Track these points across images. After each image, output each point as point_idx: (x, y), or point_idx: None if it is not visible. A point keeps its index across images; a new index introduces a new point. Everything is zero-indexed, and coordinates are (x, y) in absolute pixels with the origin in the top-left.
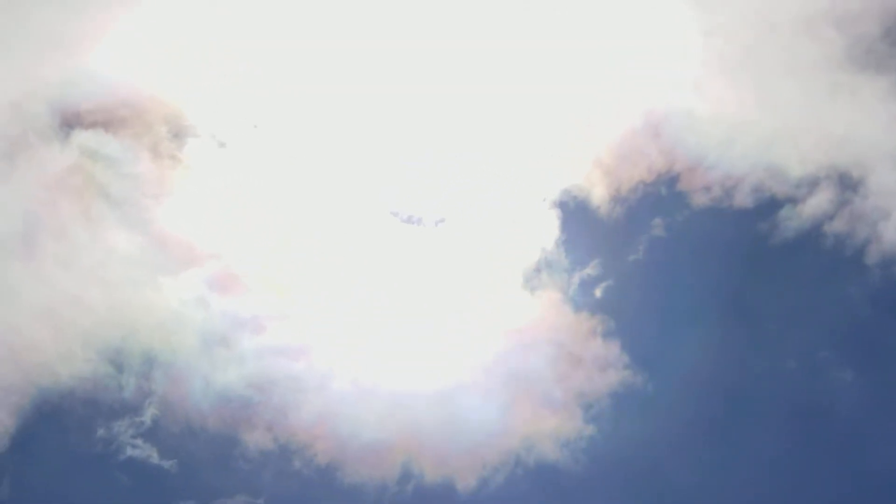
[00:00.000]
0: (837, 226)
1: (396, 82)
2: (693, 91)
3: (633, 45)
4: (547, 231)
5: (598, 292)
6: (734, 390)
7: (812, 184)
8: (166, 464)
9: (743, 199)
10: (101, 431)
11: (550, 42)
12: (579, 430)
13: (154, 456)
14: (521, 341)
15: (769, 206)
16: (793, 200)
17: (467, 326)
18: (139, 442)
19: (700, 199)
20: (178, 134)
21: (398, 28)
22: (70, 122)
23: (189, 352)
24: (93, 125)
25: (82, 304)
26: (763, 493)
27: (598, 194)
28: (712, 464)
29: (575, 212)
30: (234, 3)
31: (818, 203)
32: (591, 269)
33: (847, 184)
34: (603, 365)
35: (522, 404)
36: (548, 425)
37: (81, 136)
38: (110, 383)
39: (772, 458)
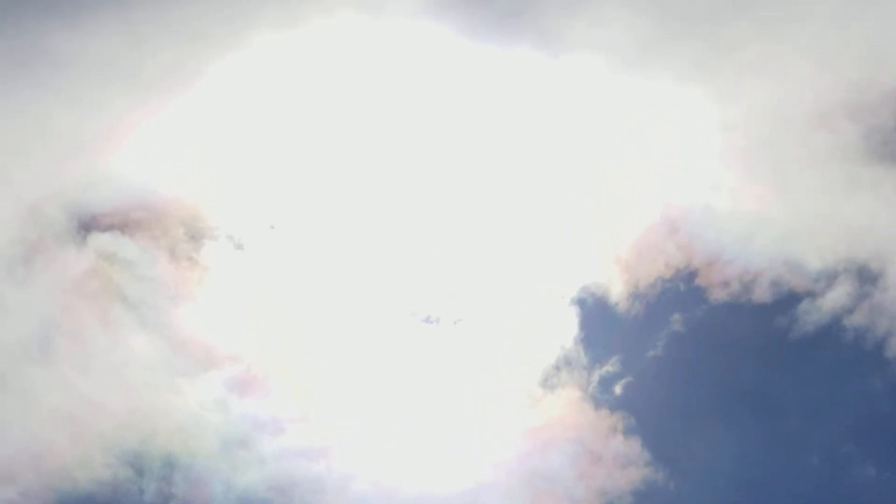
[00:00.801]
0: (857, 319)
1: (415, 182)
2: (710, 185)
3: (649, 141)
4: (565, 329)
5: (617, 389)
6: (756, 487)
7: (831, 277)
8: None
9: (762, 293)
10: None
11: (565, 138)
12: None
13: None
14: (542, 440)
15: (788, 301)
16: (812, 294)
17: (487, 426)
18: None
19: (719, 295)
20: (196, 236)
21: (417, 130)
22: (87, 225)
23: (209, 454)
24: (110, 228)
25: (101, 408)
26: None
27: (617, 291)
28: None
29: (593, 309)
30: (248, 106)
31: (837, 297)
32: (610, 367)
33: (866, 277)
34: (624, 462)
35: (545, 503)
36: None
37: (98, 240)
38: (131, 487)
39: None
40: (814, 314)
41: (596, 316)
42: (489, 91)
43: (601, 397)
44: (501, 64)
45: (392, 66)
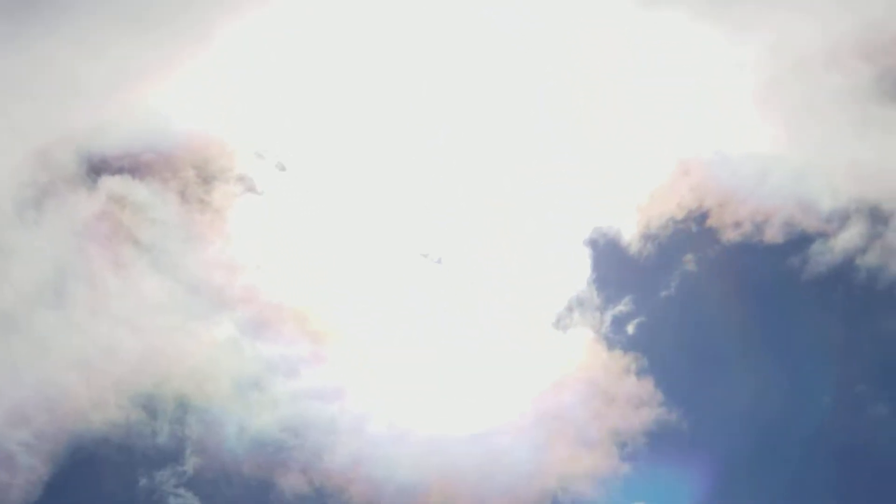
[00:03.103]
0: (870, 259)
1: (429, 122)
2: (722, 126)
3: (663, 83)
4: (579, 270)
5: (630, 329)
6: (769, 426)
7: (843, 217)
8: None
9: (774, 233)
10: (143, 481)
11: (580, 82)
12: (615, 469)
13: None
14: (555, 381)
15: (800, 241)
16: (824, 235)
17: (501, 367)
18: (182, 491)
19: (731, 235)
20: (207, 178)
21: (431, 69)
22: (97, 168)
23: (223, 397)
24: (120, 171)
25: (114, 352)
26: None
27: (629, 232)
28: (749, 500)
29: (606, 250)
30: (258, 46)
31: (850, 237)
32: (623, 307)
33: (878, 217)
34: (637, 403)
35: (558, 444)
36: (584, 464)
37: (109, 183)
38: (144, 430)
39: (809, 495)
40: (826, 254)
41: (609, 257)
42: (507, 30)
43: (614, 338)
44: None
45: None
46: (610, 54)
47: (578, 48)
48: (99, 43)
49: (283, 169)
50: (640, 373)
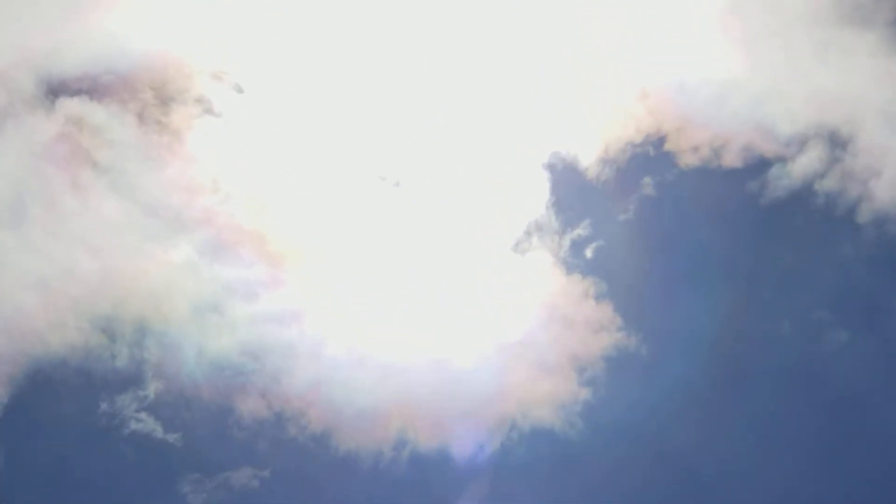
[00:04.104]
0: (829, 184)
1: (386, 42)
2: (679, 51)
3: (618, 8)
4: (537, 194)
5: (588, 253)
6: (728, 352)
7: (802, 142)
8: (171, 437)
9: (732, 158)
10: (104, 406)
11: (537, 7)
12: (574, 394)
13: (158, 430)
14: (514, 305)
15: (759, 166)
16: (783, 159)
17: (459, 291)
18: (143, 416)
19: (689, 160)
20: (165, 100)
21: None
22: (55, 90)
23: (181, 320)
24: (78, 93)
25: (72, 273)
26: (759, 455)
27: (587, 156)
28: (707, 426)
29: (564, 174)
30: None
31: (808, 161)
32: (581, 230)
33: (837, 141)
34: (596, 327)
35: (517, 369)
36: (542, 389)
37: (67, 104)
38: (103, 353)
39: (767, 420)
40: (784, 179)
41: (567, 181)
42: None
43: (572, 262)
44: None
45: None
46: None
47: None
48: None
49: (241, 91)
50: (598, 297)
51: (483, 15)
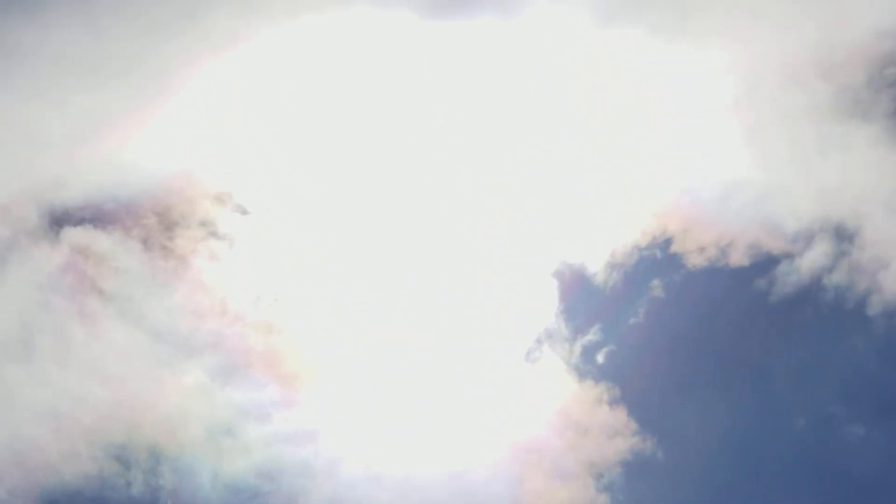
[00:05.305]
0: (837, 278)
1: (396, 161)
2: (682, 153)
3: (623, 106)
4: (547, 302)
5: (600, 358)
6: (745, 451)
7: (808, 237)
8: None
9: (739, 257)
10: None
11: (533, 104)
12: (593, 501)
13: None
14: (528, 414)
15: (766, 263)
16: (790, 255)
17: (472, 402)
18: None
19: (696, 260)
20: (169, 225)
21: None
22: (59, 220)
23: (195, 444)
24: (82, 222)
25: (84, 403)
26: None
27: (595, 262)
28: None
29: (573, 281)
30: (214, 96)
31: (815, 257)
32: (592, 335)
33: (843, 235)
34: (611, 433)
35: (533, 477)
36: (560, 497)
37: (72, 234)
38: (118, 481)
39: None
40: (793, 275)
41: (575, 287)
42: (456, 64)
43: (584, 368)
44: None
45: (370, 54)
46: (566, 75)
47: (537, 71)
48: (54, 94)
49: (244, 212)
50: (612, 402)
51: (488, 129)
